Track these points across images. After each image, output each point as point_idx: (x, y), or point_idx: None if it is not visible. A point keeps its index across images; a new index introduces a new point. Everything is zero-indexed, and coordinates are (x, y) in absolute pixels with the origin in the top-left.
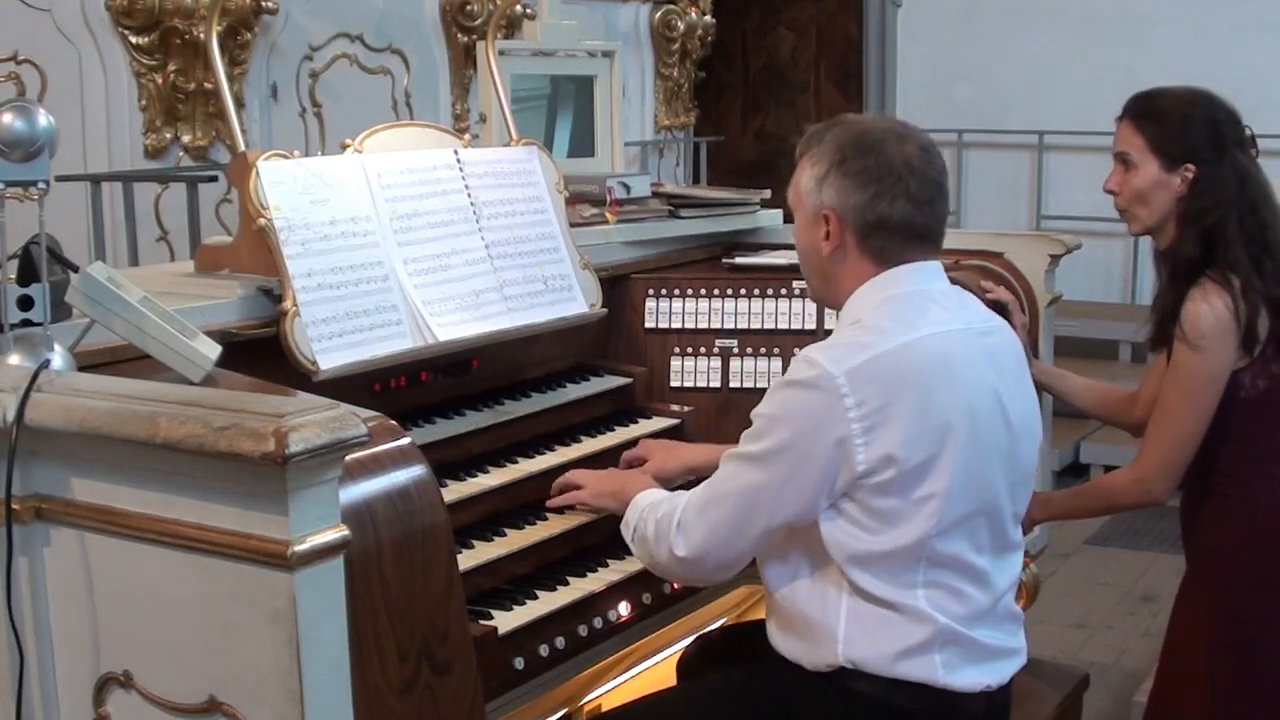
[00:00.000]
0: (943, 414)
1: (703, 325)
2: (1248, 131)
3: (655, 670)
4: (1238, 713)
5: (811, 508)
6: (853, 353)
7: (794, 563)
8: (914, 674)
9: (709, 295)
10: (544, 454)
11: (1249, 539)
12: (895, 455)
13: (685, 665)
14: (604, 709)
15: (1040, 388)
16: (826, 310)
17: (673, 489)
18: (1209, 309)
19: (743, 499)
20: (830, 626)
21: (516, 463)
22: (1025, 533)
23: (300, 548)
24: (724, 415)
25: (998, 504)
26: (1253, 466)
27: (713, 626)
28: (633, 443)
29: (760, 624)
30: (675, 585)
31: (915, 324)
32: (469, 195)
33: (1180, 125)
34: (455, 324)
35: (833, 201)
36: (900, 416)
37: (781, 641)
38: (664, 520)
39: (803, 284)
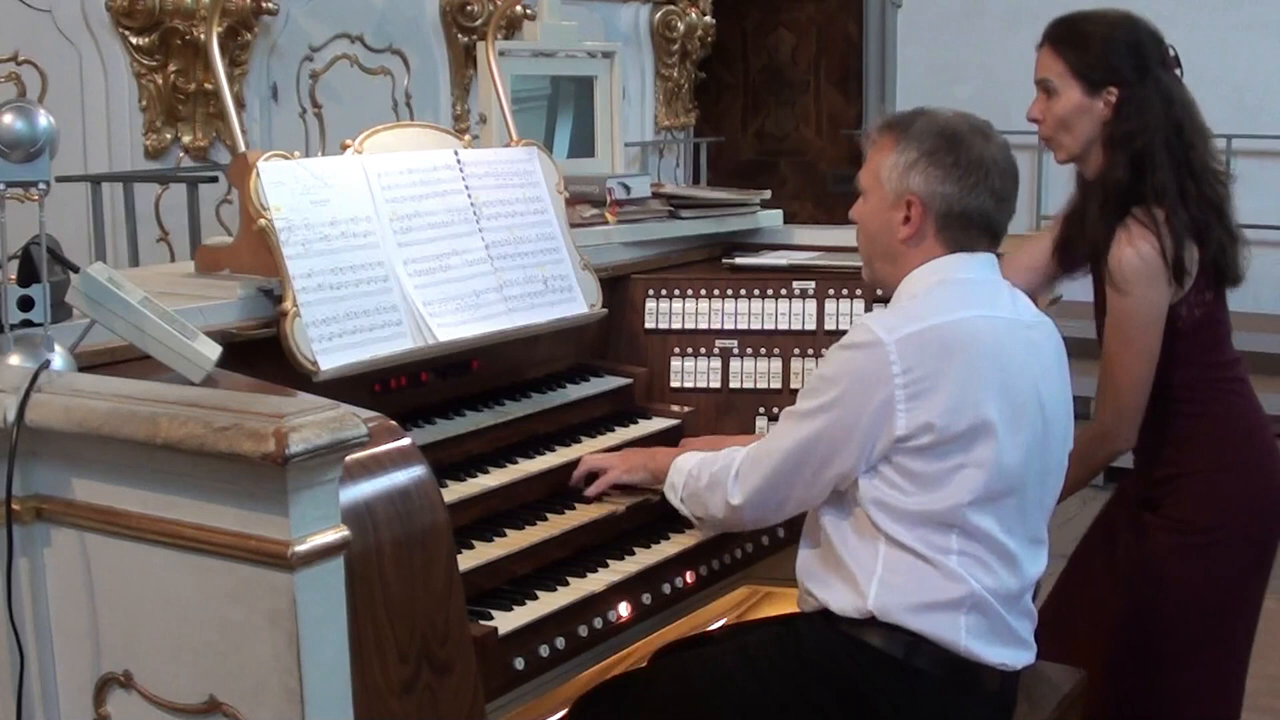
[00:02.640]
0: (982, 390)
1: (703, 325)
2: (1170, 51)
3: None
4: (1204, 609)
5: (854, 464)
6: (905, 322)
7: (837, 510)
8: (935, 631)
9: (709, 296)
10: (544, 454)
11: (1219, 455)
12: (934, 423)
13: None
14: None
15: None
16: (827, 311)
17: None
18: (1134, 253)
19: (793, 452)
20: (866, 570)
21: (516, 463)
22: None
23: (300, 548)
24: (724, 416)
25: (1026, 489)
26: (1206, 388)
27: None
28: (633, 443)
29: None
30: (675, 585)
31: (966, 305)
32: (469, 196)
33: (1101, 47)
34: (455, 324)
35: (920, 188)
36: (942, 387)
37: (814, 580)
38: (720, 471)
39: (803, 284)
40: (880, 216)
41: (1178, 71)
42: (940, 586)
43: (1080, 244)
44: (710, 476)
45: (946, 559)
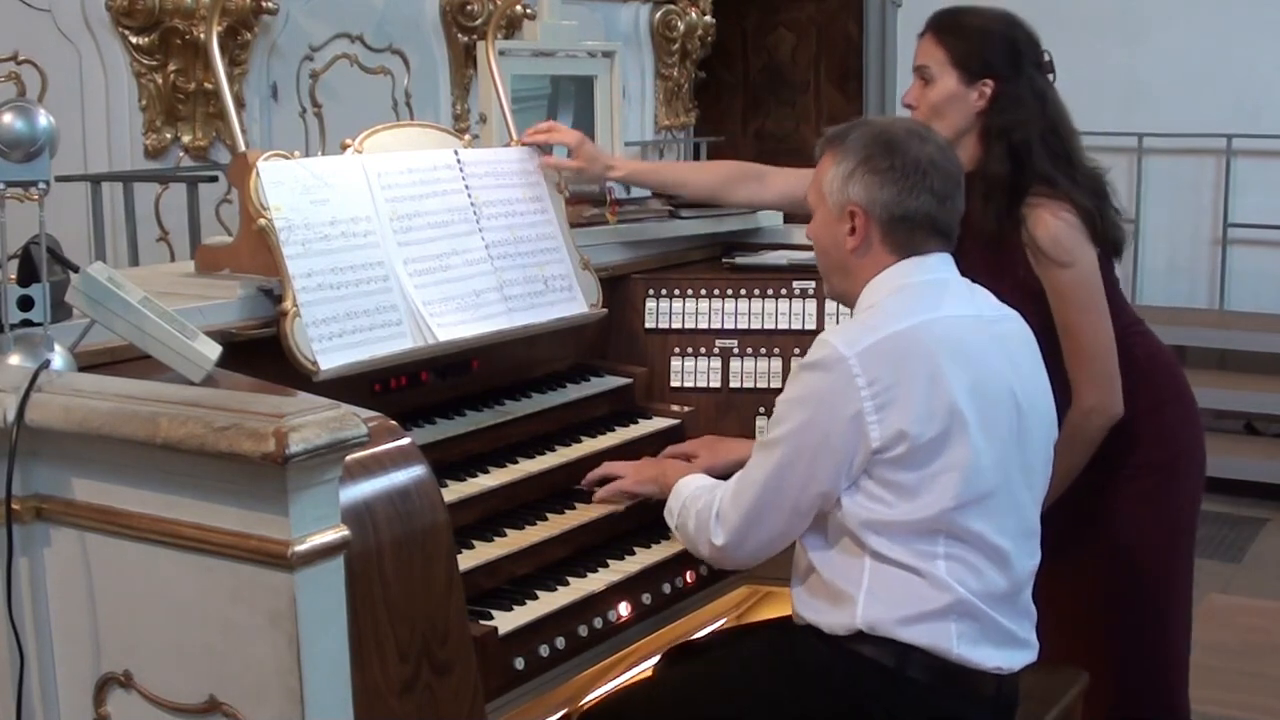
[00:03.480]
0: (952, 393)
1: (703, 325)
2: (1046, 56)
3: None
4: (1175, 550)
5: (835, 484)
6: (864, 334)
7: (821, 530)
8: (927, 640)
9: (709, 295)
10: (544, 454)
11: (1155, 392)
12: (907, 431)
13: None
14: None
15: (655, 190)
16: (827, 311)
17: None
18: (1059, 222)
19: (771, 482)
20: (852, 588)
21: (516, 463)
22: None
23: (300, 548)
24: (724, 415)
25: (1013, 486)
26: (1122, 341)
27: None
28: (633, 443)
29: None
30: (675, 585)
31: (926, 308)
32: (469, 195)
33: (980, 40)
34: (455, 324)
35: (860, 197)
36: (911, 394)
37: (805, 607)
38: (703, 512)
39: (803, 284)
40: (828, 230)
41: (1051, 77)
42: (928, 596)
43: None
44: (696, 517)
45: (933, 566)
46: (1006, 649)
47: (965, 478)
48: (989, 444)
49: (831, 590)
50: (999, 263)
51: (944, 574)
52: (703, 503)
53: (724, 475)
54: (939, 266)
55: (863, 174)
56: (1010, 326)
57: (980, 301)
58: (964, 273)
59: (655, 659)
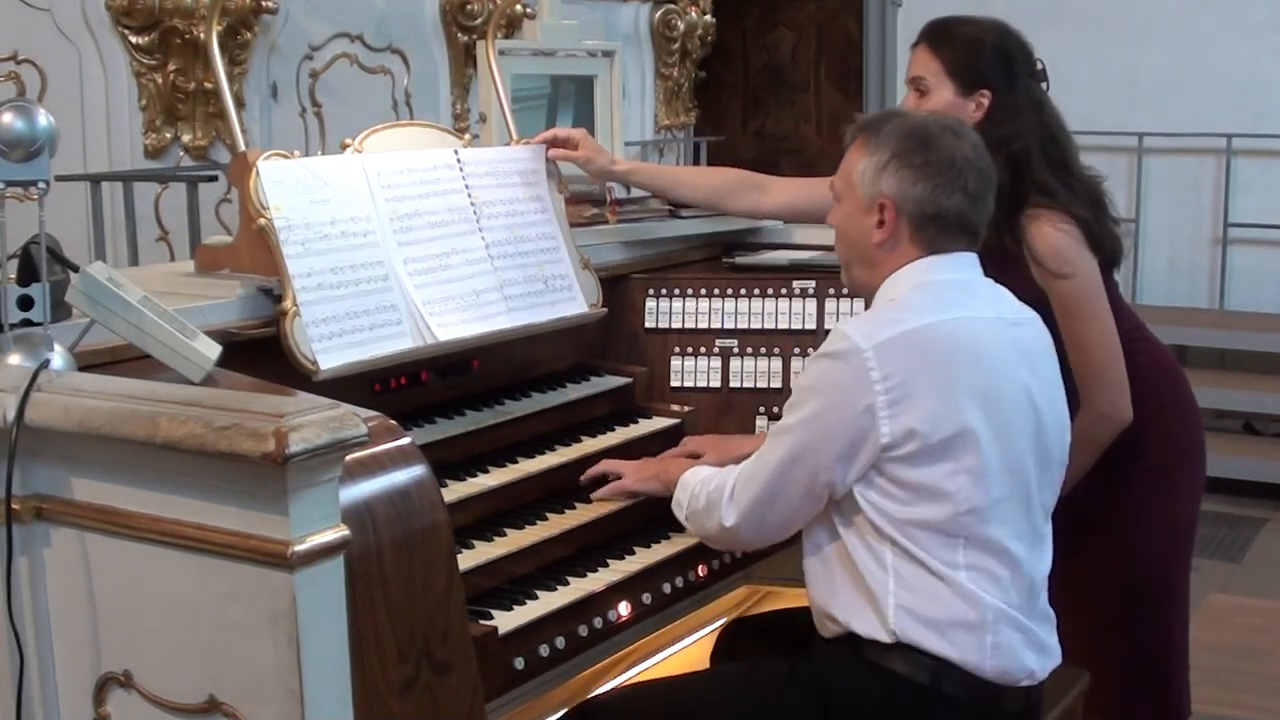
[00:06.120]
0: (967, 394)
1: (703, 325)
2: (1039, 65)
3: (655, 670)
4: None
5: (844, 476)
6: (883, 327)
7: (840, 527)
8: (960, 655)
9: (709, 295)
10: (544, 454)
11: (1155, 395)
12: (918, 430)
13: (724, 643)
14: (630, 680)
15: (652, 191)
16: (827, 310)
17: None
18: (1058, 233)
19: (782, 467)
20: (880, 585)
21: (516, 463)
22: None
23: (300, 548)
24: (724, 415)
25: (1029, 491)
26: (1127, 345)
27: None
28: (633, 443)
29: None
30: (675, 585)
31: (946, 307)
32: (469, 195)
33: (974, 51)
34: (455, 324)
35: (892, 191)
36: (924, 392)
37: (838, 612)
38: (715, 493)
39: (803, 284)
40: (855, 221)
41: (1044, 85)
42: (956, 605)
43: None
44: (707, 498)
45: (956, 574)
46: (1034, 654)
47: (976, 481)
48: (1002, 449)
49: (859, 584)
50: (1000, 275)
51: (967, 582)
52: (714, 485)
53: None
54: (963, 265)
55: (896, 168)
56: (1031, 330)
57: (1003, 303)
58: None
59: (655, 659)
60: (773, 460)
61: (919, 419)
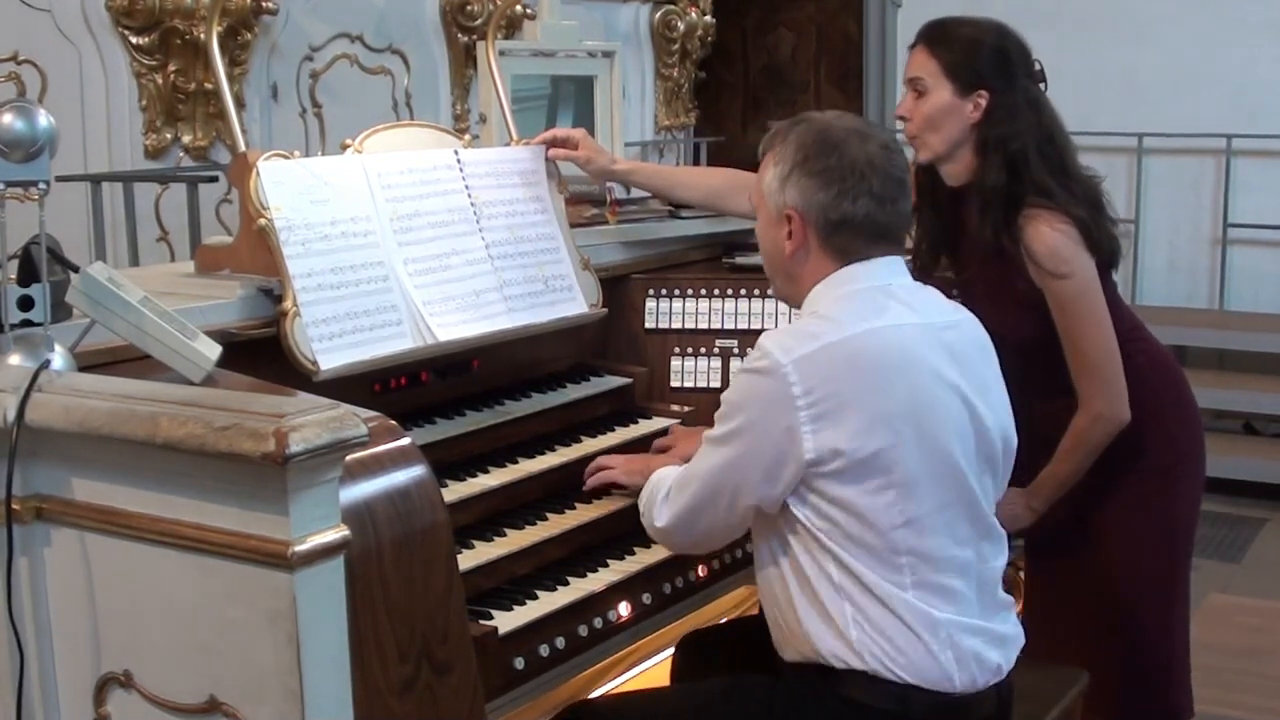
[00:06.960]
0: (894, 407)
1: (703, 325)
2: (1037, 65)
3: (655, 670)
4: (1173, 548)
5: (768, 492)
6: (802, 341)
7: (788, 553)
8: (922, 677)
9: (709, 295)
10: (544, 454)
11: (1155, 395)
12: (842, 448)
13: (681, 659)
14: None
15: (652, 191)
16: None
17: None
18: (1056, 233)
19: (709, 478)
20: (835, 605)
21: (516, 463)
22: (1030, 523)
23: (300, 548)
24: None
25: (972, 495)
26: (1125, 346)
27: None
28: (634, 443)
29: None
30: (675, 585)
31: (870, 317)
32: (469, 195)
33: (972, 51)
34: (455, 324)
35: (795, 201)
36: (848, 406)
37: (797, 635)
38: (654, 493)
39: None
40: (768, 234)
41: (1042, 85)
42: (909, 628)
43: (941, 245)
44: (649, 496)
45: (905, 594)
46: (999, 648)
47: (909, 494)
48: (932, 458)
49: (816, 603)
50: (999, 274)
51: (918, 603)
52: (654, 484)
53: None
54: (884, 272)
55: (799, 176)
56: (961, 331)
57: (930, 307)
58: (964, 285)
59: (655, 659)
60: (702, 471)
61: (844, 436)
